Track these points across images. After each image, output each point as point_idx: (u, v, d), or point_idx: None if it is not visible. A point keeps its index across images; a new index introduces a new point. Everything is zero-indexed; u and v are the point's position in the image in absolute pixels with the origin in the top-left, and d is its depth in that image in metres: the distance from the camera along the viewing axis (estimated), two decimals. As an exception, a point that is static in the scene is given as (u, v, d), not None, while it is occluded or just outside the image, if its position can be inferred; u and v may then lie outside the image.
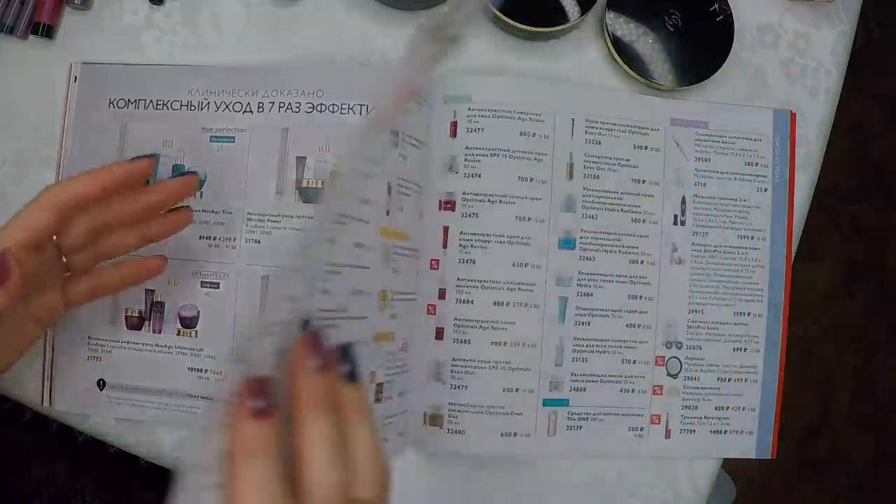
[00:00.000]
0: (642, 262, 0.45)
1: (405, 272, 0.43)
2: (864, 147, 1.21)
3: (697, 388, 0.46)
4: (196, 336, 0.43)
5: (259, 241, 0.43)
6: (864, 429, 1.18)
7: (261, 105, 0.43)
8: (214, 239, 0.43)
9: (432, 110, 0.45)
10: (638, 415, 0.45)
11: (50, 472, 0.55)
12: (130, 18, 0.47)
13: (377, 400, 0.40)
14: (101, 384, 0.44)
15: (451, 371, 0.43)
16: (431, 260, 0.44)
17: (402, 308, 0.42)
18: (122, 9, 0.47)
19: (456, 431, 0.43)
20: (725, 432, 0.46)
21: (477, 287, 0.44)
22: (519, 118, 0.44)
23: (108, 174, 0.36)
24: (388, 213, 0.41)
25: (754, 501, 1.10)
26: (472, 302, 0.43)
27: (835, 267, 1.20)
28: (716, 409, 0.46)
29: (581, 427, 0.45)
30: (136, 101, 0.45)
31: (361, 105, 0.43)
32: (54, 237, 0.37)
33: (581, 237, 0.45)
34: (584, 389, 0.45)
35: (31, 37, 0.47)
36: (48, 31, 0.47)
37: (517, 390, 0.44)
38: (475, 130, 0.44)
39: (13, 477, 0.54)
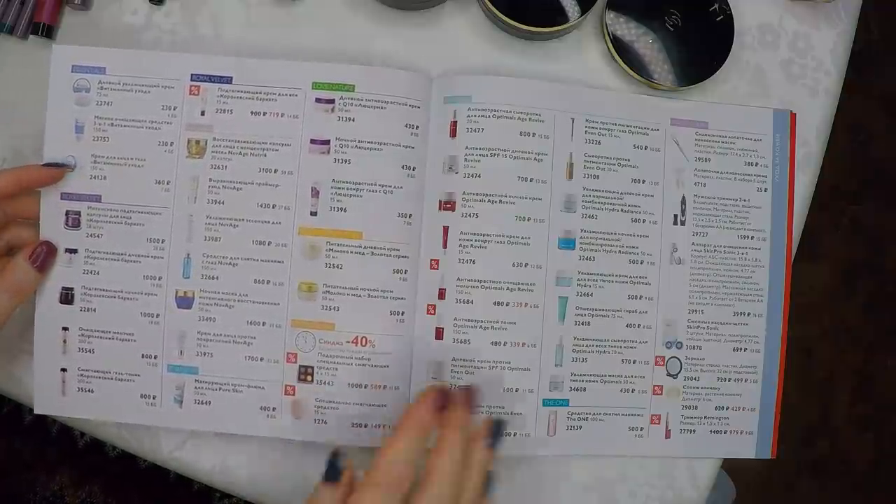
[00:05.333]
0: (642, 262, 0.45)
1: (361, 269, 0.43)
2: (865, 147, 1.21)
3: (697, 388, 0.46)
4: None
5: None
6: (864, 429, 1.18)
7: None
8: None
9: (431, 110, 0.45)
10: (638, 415, 0.45)
11: (54, 488, 0.55)
12: (130, 18, 0.47)
13: (302, 380, 0.43)
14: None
15: (451, 371, 0.43)
16: (431, 260, 0.44)
17: (351, 302, 0.43)
18: (122, 9, 0.47)
19: (456, 431, 0.43)
20: (725, 432, 0.46)
21: (477, 287, 0.44)
22: (519, 118, 0.44)
23: (25, 174, 0.41)
24: (314, 213, 0.43)
25: (754, 501, 1.10)
26: (471, 302, 0.43)
27: (835, 267, 1.20)
28: (716, 409, 0.46)
29: (581, 427, 0.45)
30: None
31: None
32: None
33: (581, 237, 0.45)
34: (584, 389, 0.45)
35: (31, 37, 0.47)
36: (48, 31, 0.47)
37: (517, 390, 0.44)
38: (475, 130, 0.44)
39: (17, 496, 0.54)
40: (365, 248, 0.43)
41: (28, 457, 0.56)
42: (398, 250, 0.44)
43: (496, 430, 0.36)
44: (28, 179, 0.42)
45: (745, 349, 0.46)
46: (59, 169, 0.43)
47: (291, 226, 0.44)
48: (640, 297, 0.45)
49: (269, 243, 0.44)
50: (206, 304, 0.44)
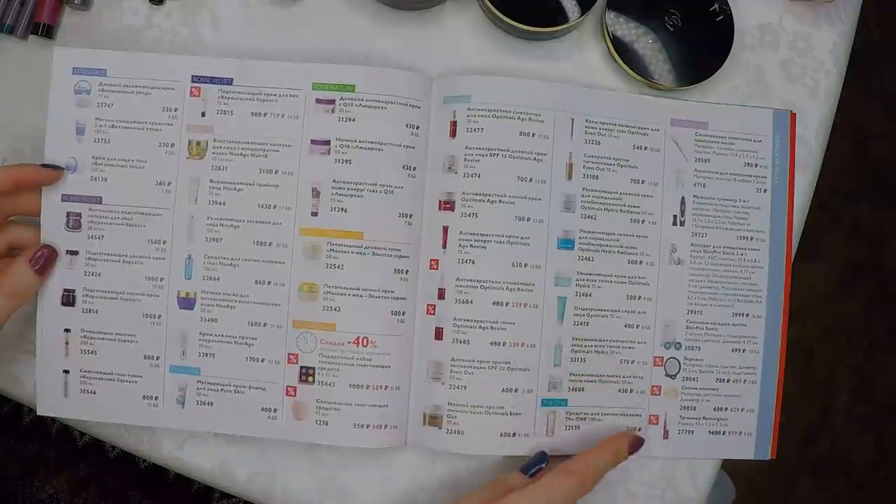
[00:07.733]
0: (641, 262, 0.45)
1: (362, 269, 0.43)
2: (864, 147, 1.21)
3: (696, 388, 0.46)
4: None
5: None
6: (864, 429, 1.18)
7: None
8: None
9: (431, 110, 0.45)
10: (636, 415, 0.45)
11: (53, 489, 0.55)
12: (130, 19, 0.47)
13: (303, 381, 0.43)
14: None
15: (451, 371, 0.43)
16: (431, 260, 0.44)
17: (353, 303, 0.43)
18: (122, 9, 0.47)
19: (455, 432, 0.43)
20: (724, 433, 0.46)
21: (476, 287, 0.44)
22: (518, 118, 0.44)
23: (21, 172, 0.42)
24: (314, 214, 0.43)
25: (754, 501, 1.10)
26: (471, 302, 0.43)
27: (835, 267, 1.20)
28: (714, 409, 0.46)
29: (579, 427, 0.45)
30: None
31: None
32: None
33: (580, 237, 0.45)
34: (583, 389, 0.45)
35: (31, 37, 0.47)
36: (48, 31, 0.47)
37: (516, 390, 0.44)
38: (475, 130, 0.44)
39: (16, 497, 0.54)
40: (366, 248, 0.43)
41: (27, 457, 0.56)
42: (399, 250, 0.44)
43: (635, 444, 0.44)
44: (24, 179, 0.42)
45: (744, 350, 0.46)
46: (55, 171, 0.43)
47: (292, 226, 0.44)
48: (639, 298, 0.45)
49: (270, 244, 0.44)
50: (207, 304, 0.44)
